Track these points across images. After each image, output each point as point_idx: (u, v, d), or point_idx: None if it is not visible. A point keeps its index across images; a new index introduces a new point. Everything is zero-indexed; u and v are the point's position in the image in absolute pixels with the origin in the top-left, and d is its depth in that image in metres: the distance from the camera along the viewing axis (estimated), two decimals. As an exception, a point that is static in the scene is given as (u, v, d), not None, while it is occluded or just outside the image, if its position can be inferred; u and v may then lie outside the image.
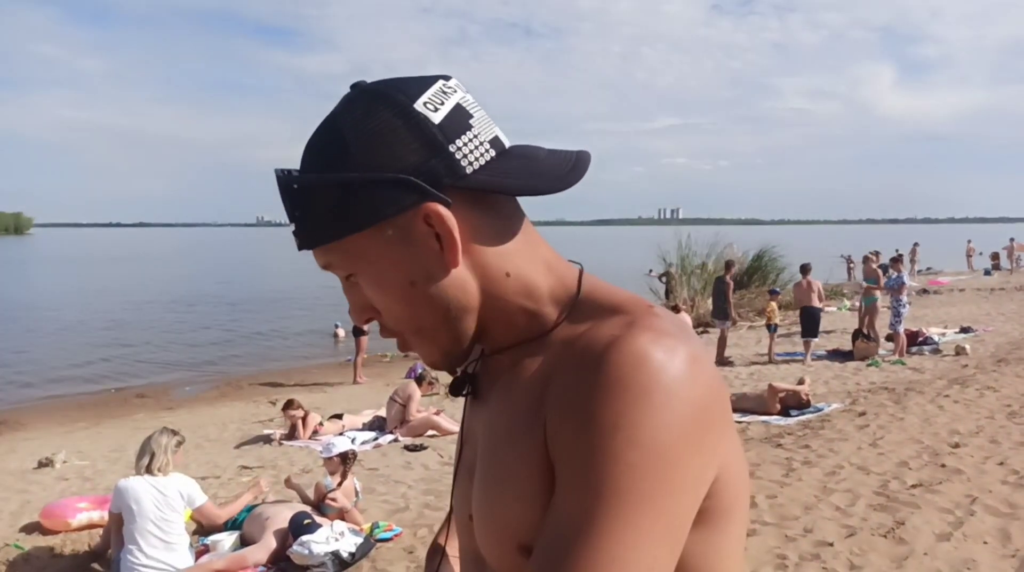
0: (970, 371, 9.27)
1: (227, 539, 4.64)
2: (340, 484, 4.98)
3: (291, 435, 8.02)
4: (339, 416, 8.56)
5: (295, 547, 4.36)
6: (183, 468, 4.51)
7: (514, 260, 0.74)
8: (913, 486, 4.94)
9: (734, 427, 0.70)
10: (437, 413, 8.08)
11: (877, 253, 14.51)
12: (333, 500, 4.81)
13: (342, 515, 4.77)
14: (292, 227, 0.74)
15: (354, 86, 0.75)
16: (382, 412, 8.40)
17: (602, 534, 0.59)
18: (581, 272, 0.78)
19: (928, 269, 30.20)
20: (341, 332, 17.36)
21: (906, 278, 12.32)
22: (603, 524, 0.59)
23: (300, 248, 0.74)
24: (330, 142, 0.71)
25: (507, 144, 0.75)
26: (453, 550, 1.08)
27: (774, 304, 12.21)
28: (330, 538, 4.37)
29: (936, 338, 11.91)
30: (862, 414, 7.23)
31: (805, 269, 12.35)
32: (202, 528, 4.98)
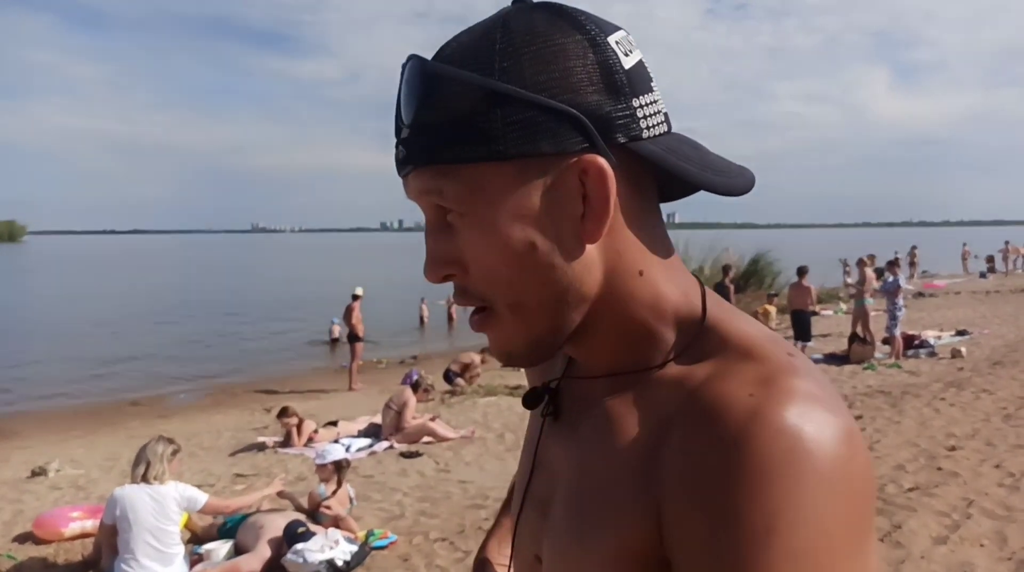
0: (966, 374, 9.28)
1: (221, 548, 4.61)
2: (335, 492, 4.95)
3: (286, 443, 7.99)
4: (334, 423, 8.52)
5: (289, 555, 4.33)
6: (178, 477, 4.48)
7: (650, 258, 0.62)
8: (910, 489, 4.93)
9: None
10: (433, 419, 8.05)
11: (872, 256, 14.53)
12: (327, 508, 4.78)
13: (337, 523, 4.74)
14: (404, 132, 0.59)
15: (521, 3, 0.61)
16: (377, 419, 8.37)
17: None
18: (704, 290, 0.64)
19: (924, 272, 30.28)
20: (337, 329, 17.19)
21: (902, 281, 12.34)
22: None
23: (405, 162, 0.60)
24: (495, 43, 0.57)
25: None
26: (501, 557, 1.05)
27: (770, 307, 12.21)
28: (325, 546, 4.34)
29: (932, 341, 11.92)
30: (858, 418, 7.22)
31: (802, 271, 12.37)
32: (196, 537, 4.95)
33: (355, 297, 12.96)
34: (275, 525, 4.54)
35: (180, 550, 4.25)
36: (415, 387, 8.33)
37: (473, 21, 0.62)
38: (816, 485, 0.48)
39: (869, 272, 13.57)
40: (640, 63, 0.60)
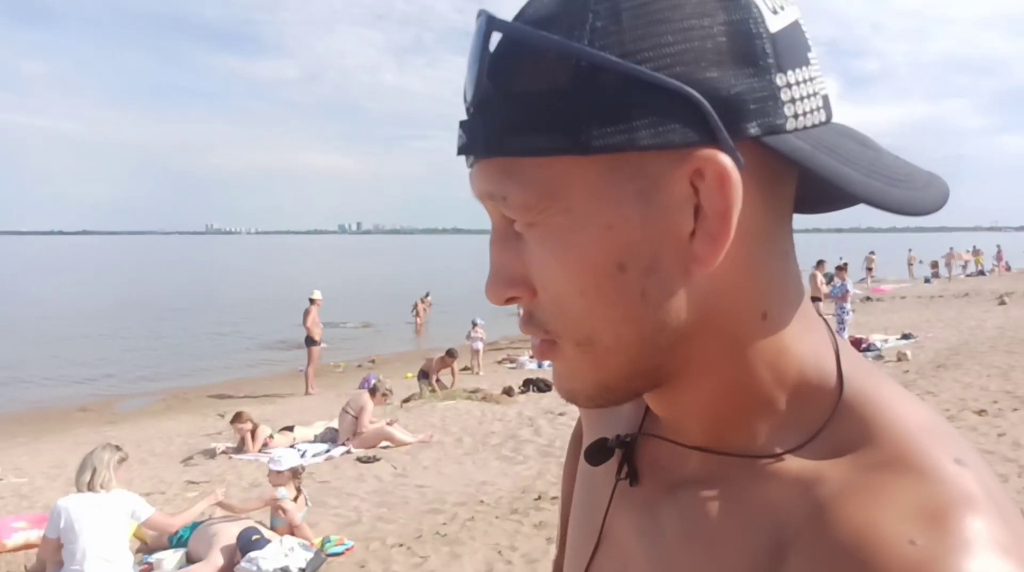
0: (911, 377, 9.56)
1: (172, 557, 4.53)
2: (296, 498, 4.90)
3: (240, 448, 7.87)
4: (290, 428, 8.42)
5: (243, 564, 4.27)
6: (126, 484, 4.38)
7: (778, 297, 0.47)
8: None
9: None
10: (390, 424, 8.01)
11: (822, 262, 14.92)
12: (284, 510, 4.72)
13: (292, 530, 4.69)
14: (469, 110, 0.45)
15: None
16: (334, 424, 8.30)
17: None
18: (837, 345, 0.49)
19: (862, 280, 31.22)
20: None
21: (850, 286, 12.68)
22: None
23: (468, 151, 0.46)
24: (590, 2, 0.42)
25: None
26: None
27: None
28: (279, 554, 4.30)
29: (879, 345, 12.27)
30: (809, 420, 7.39)
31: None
32: (146, 546, 4.85)
33: (312, 301, 12.84)
34: (228, 533, 4.47)
35: (129, 559, 4.16)
36: (373, 391, 8.28)
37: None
38: None
39: (819, 276, 13.92)
40: (795, 25, 0.44)
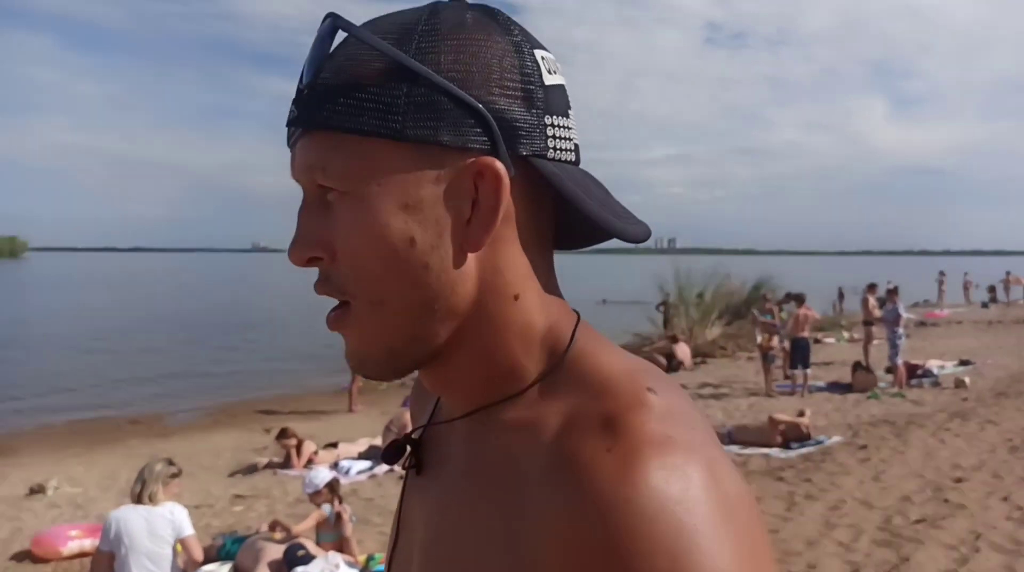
0: (970, 404, 9.24)
1: (219, 570, 4.56)
2: (339, 514, 4.91)
3: (285, 464, 7.94)
4: (334, 445, 8.48)
5: (290, 579, 4.28)
6: (176, 498, 4.43)
7: (530, 283, 0.57)
8: (917, 521, 4.89)
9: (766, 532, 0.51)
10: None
11: (874, 285, 14.52)
12: (343, 522, 4.72)
13: (339, 546, 4.69)
14: (304, 91, 0.55)
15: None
16: (378, 441, 8.32)
17: None
18: (578, 323, 0.59)
19: (926, 301, 30.27)
20: None
21: (902, 310, 12.33)
22: None
23: (295, 123, 0.56)
24: (419, 24, 0.54)
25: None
26: None
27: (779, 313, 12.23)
28: (325, 570, 4.29)
29: (935, 371, 11.89)
30: (863, 447, 7.18)
31: (800, 298, 12.35)
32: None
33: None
34: (275, 548, 4.49)
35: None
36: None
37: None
38: (698, 543, 0.44)
39: (871, 299, 13.58)
40: (562, 87, 0.58)
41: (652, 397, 0.51)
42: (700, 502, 0.46)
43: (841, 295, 26.60)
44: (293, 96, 0.57)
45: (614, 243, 0.62)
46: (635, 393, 0.51)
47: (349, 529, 4.81)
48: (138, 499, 4.17)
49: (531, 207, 0.56)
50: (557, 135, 0.56)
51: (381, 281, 0.54)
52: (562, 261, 0.64)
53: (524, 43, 0.56)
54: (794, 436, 7.79)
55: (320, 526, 4.88)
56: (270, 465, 8.02)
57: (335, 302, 0.57)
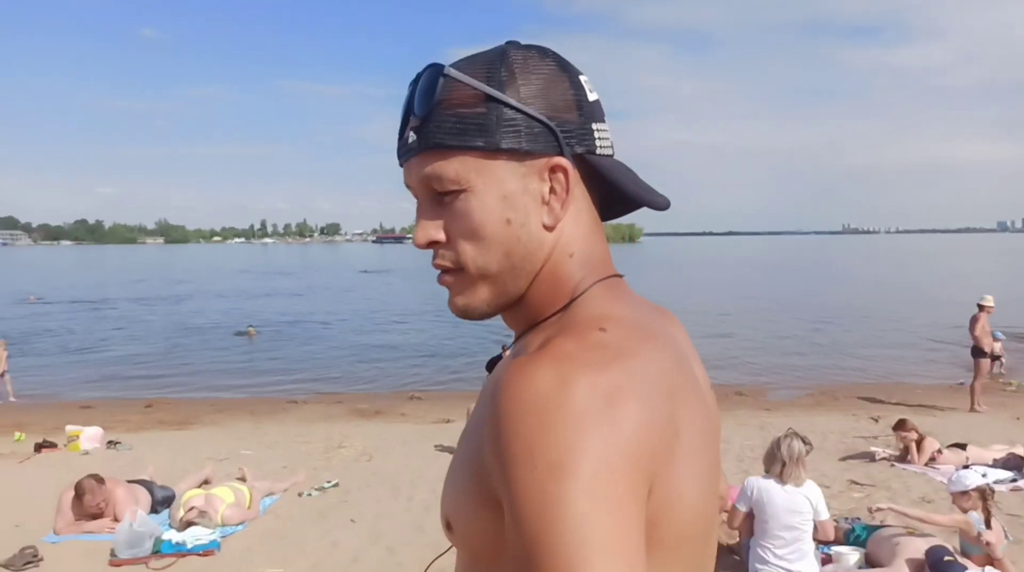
0: None
1: (852, 555, 4.48)
2: (988, 524, 4.33)
3: (902, 457, 7.41)
4: (962, 446, 7.55)
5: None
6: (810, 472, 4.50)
7: (581, 246, 0.77)
8: None
9: (694, 461, 0.66)
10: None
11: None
12: (985, 542, 4.19)
13: (991, 560, 4.14)
14: (410, 131, 0.74)
15: (515, 42, 0.77)
16: (1018, 450, 7.12)
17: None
18: (605, 279, 0.78)
19: None
20: (999, 345, 12.67)
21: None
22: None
23: (411, 148, 0.75)
24: (499, 65, 0.73)
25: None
26: None
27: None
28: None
29: None
30: None
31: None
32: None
33: (981, 307, 11.29)
34: (914, 546, 4.20)
35: (811, 547, 4.26)
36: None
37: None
38: (525, 421, 0.59)
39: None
40: (599, 101, 0.79)
41: (595, 333, 0.68)
42: (565, 402, 0.59)
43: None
44: (410, 124, 0.76)
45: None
46: (584, 328, 0.69)
47: (999, 550, 4.19)
48: (779, 477, 4.31)
49: (585, 190, 0.78)
50: (600, 137, 0.77)
51: (484, 254, 0.74)
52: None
53: (574, 73, 0.77)
54: None
55: (962, 534, 4.38)
56: (886, 457, 7.59)
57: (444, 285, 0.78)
